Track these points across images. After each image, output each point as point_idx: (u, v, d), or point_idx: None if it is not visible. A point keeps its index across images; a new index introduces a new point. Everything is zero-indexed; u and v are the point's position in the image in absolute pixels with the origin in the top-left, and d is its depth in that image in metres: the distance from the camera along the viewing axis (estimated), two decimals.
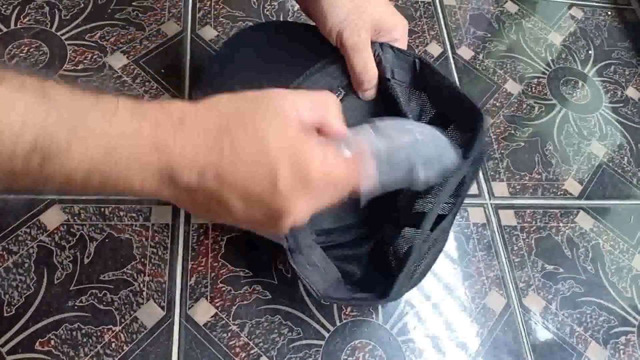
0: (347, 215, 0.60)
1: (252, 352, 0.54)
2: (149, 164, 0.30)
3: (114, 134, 0.28)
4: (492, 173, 0.73)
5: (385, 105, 0.54)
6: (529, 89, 0.82)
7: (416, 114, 0.55)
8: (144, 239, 0.58)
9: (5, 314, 0.52)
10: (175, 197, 0.32)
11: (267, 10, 0.78)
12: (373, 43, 0.51)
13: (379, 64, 0.51)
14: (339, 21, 0.48)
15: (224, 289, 0.57)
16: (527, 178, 0.73)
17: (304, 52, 0.53)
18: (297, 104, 0.34)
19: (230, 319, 0.56)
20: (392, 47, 0.52)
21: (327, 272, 0.52)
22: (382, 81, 0.53)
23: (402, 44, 0.53)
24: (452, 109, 0.53)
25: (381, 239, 0.58)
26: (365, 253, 0.58)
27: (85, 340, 0.52)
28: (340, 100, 0.52)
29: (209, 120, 0.32)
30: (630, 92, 0.87)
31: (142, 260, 0.57)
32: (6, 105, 0.26)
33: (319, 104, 0.36)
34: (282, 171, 0.32)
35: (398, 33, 0.52)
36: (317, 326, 0.57)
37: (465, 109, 0.51)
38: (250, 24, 0.76)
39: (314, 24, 0.53)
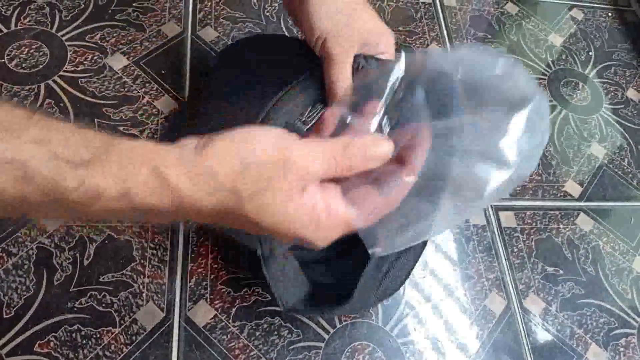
0: None
1: (251, 354, 0.54)
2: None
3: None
4: None
5: None
6: None
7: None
8: (143, 241, 0.58)
9: (4, 316, 0.52)
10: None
11: (267, 12, 0.78)
12: (357, 55, 0.50)
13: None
14: (326, 30, 0.48)
15: (223, 290, 0.57)
16: (527, 179, 0.73)
17: (289, 64, 0.52)
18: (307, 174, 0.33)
19: (230, 321, 0.55)
20: (376, 60, 0.50)
21: (299, 286, 0.51)
22: None
23: (389, 57, 0.52)
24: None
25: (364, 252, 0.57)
26: (349, 266, 0.56)
27: (84, 342, 0.52)
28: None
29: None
30: (631, 93, 0.87)
31: (142, 261, 0.57)
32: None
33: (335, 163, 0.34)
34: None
35: (384, 46, 0.51)
36: (317, 328, 0.57)
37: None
38: (251, 25, 0.76)
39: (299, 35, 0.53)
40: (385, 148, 0.34)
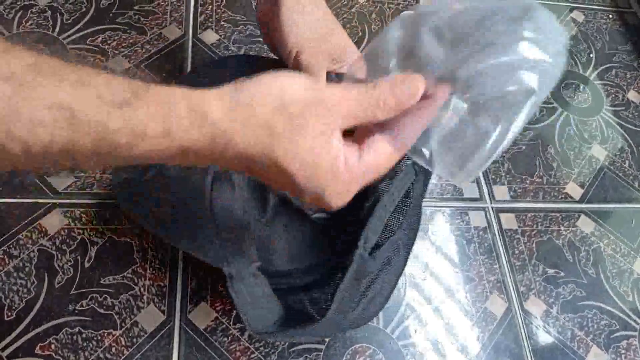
0: (304, 256, 0.56)
1: (252, 356, 0.54)
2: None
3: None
4: (493, 176, 0.73)
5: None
6: None
7: None
8: (144, 243, 0.58)
9: (5, 318, 0.52)
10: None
11: None
12: (329, 73, 0.49)
13: None
14: (301, 43, 0.48)
15: (224, 292, 0.57)
16: (528, 181, 0.73)
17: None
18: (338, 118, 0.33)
19: (231, 323, 0.56)
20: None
21: (269, 310, 0.46)
22: None
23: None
24: None
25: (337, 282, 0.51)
26: (324, 296, 0.51)
27: (85, 344, 0.52)
28: None
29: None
30: (632, 95, 0.87)
31: (143, 264, 0.57)
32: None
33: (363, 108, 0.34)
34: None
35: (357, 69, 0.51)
36: None
37: None
38: (251, 27, 0.76)
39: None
40: (421, 82, 0.34)
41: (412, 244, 0.52)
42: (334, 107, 0.32)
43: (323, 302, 0.47)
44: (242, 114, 0.30)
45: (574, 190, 0.74)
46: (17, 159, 0.26)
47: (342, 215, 0.55)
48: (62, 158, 0.27)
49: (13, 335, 0.51)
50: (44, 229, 0.57)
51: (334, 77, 0.49)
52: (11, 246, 0.55)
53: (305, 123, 0.31)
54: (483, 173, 0.72)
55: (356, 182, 0.34)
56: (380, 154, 0.34)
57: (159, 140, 0.28)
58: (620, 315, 0.65)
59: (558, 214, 0.72)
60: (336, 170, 0.33)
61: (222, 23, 0.76)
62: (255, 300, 0.45)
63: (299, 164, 0.32)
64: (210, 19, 0.76)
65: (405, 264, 0.51)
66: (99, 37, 0.70)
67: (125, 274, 0.56)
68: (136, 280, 0.56)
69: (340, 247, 0.53)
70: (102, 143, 0.27)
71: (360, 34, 0.81)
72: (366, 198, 0.50)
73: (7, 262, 0.54)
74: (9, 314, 0.52)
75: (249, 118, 0.30)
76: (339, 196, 0.34)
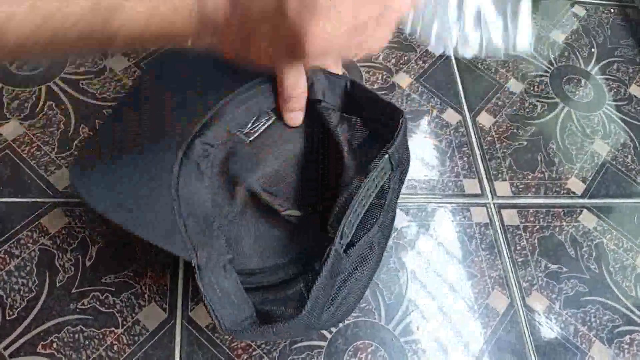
0: (273, 254, 0.53)
1: (254, 353, 0.54)
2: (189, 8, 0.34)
3: None
4: (494, 172, 0.72)
5: (314, 129, 0.52)
6: (532, 88, 0.82)
7: (347, 136, 0.51)
8: (145, 241, 0.58)
9: (7, 317, 0.52)
10: (209, 39, 0.37)
11: None
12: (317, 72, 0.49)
13: (310, 86, 0.49)
14: None
15: None
16: (530, 177, 0.73)
17: (231, 72, 0.48)
18: None
19: None
20: (323, 71, 0.49)
21: (240, 306, 0.44)
22: (313, 105, 0.50)
23: (336, 71, 0.51)
24: (383, 123, 0.49)
25: (311, 279, 0.48)
26: (295, 296, 0.49)
27: (87, 342, 0.52)
28: (270, 124, 0.50)
29: None
30: (634, 89, 0.86)
31: (144, 262, 0.57)
32: None
33: None
34: None
35: (331, 60, 0.50)
36: None
37: (390, 114, 0.48)
38: None
39: None
40: None
41: (387, 242, 0.50)
42: None
43: (296, 301, 0.45)
44: None
45: (576, 185, 0.74)
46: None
47: (313, 214, 0.55)
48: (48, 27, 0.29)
49: (15, 334, 0.51)
50: (44, 228, 0.57)
51: (311, 76, 0.48)
52: (12, 245, 0.55)
53: None
54: (484, 169, 0.72)
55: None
56: None
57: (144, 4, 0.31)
58: (624, 310, 0.65)
59: (560, 210, 0.71)
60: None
61: None
62: (225, 295, 0.43)
63: None
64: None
65: (379, 262, 0.50)
66: None
67: (126, 272, 0.56)
68: (137, 279, 0.56)
69: (310, 246, 0.52)
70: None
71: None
72: (336, 197, 0.48)
73: (8, 261, 0.54)
74: (11, 313, 0.52)
75: None
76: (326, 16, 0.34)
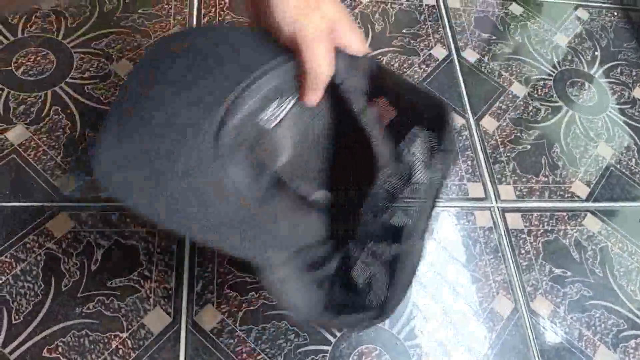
0: (304, 238, 0.53)
1: (258, 357, 0.54)
2: None
3: None
4: (498, 176, 0.72)
5: (336, 112, 0.51)
6: (535, 91, 0.82)
7: (373, 119, 0.50)
8: (150, 246, 0.58)
9: (13, 321, 0.52)
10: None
11: None
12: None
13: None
14: (290, 14, 0.45)
15: (230, 294, 0.57)
16: (533, 181, 0.73)
17: (249, 53, 0.46)
18: None
19: (237, 325, 0.56)
20: (344, 52, 0.48)
21: (309, 293, 0.45)
22: (333, 88, 0.48)
23: (357, 52, 0.49)
24: (414, 108, 0.49)
25: (346, 256, 0.52)
26: (332, 272, 0.51)
27: (92, 347, 0.52)
28: (290, 109, 0.48)
29: None
30: (638, 93, 0.86)
31: (149, 266, 0.57)
32: None
33: None
34: None
35: (352, 38, 0.48)
36: (324, 331, 0.57)
37: (430, 106, 0.48)
38: None
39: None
40: None
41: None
42: None
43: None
44: None
45: (580, 189, 0.74)
46: None
47: (341, 197, 0.54)
48: None
49: (21, 338, 0.51)
50: (50, 233, 0.57)
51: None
52: (18, 250, 0.56)
53: None
54: (488, 172, 0.72)
55: None
56: None
57: None
58: (628, 314, 0.65)
59: (564, 213, 0.71)
60: None
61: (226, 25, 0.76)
62: (290, 286, 0.44)
63: None
64: (214, 21, 0.76)
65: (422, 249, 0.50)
66: (103, 40, 0.70)
67: (131, 276, 0.56)
68: (142, 283, 0.56)
69: (343, 228, 0.52)
70: None
71: (363, 34, 0.81)
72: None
73: (14, 265, 0.55)
74: (17, 317, 0.52)
75: None
76: None
